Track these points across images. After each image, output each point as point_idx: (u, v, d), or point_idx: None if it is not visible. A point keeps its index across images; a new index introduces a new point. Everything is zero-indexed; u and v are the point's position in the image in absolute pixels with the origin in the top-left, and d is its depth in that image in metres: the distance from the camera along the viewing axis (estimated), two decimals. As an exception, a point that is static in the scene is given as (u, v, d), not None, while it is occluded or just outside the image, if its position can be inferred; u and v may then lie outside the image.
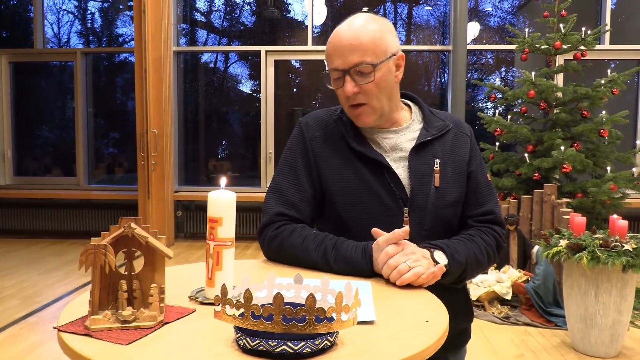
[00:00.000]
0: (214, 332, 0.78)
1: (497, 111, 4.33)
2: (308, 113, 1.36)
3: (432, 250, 1.12)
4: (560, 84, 4.95)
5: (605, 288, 2.50)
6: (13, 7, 6.41)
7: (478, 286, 3.28)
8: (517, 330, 2.97)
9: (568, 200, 3.46)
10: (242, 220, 5.63)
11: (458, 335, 1.33)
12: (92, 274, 0.81)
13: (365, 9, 6.01)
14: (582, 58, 3.94)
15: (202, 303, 0.92)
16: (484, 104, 6.15)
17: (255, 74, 6.10)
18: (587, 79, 4.12)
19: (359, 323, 0.80)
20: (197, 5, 6.18)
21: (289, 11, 6.12)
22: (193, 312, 0.88)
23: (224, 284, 0.72)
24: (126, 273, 0.86)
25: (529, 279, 3.23)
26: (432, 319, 0.86)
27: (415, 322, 0.85)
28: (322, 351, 0.71)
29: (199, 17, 6.25)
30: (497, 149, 4.16)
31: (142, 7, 4.75)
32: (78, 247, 5.15)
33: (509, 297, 3.21)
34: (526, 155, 3.89)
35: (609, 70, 3.92)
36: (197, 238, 5.70)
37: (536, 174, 3.73)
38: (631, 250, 2.43)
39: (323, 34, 5.84)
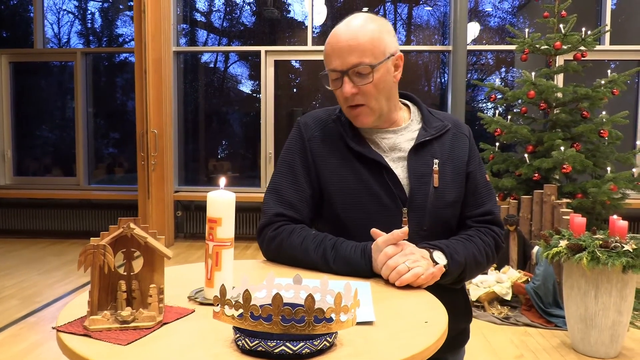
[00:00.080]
0: (213, 333, 0.78)
1: (497, 111, 4.33)
2: (306, 113, 1.36)
3: (431, 250, 1.11)
4: (560, 84, 4.95)
5: (605, 289, 2.50)
6: (13, 7, 6.41)
7: (478, 287, 3.27)
8: (517, 331, 2.97)
9: (568, 200, 3.46)
10: (242, 220, 5.63)
11: (457, 336, 1.33)
12: (91, 274, 0.81)
13: (365, 9, 6.01)
14: (582, 58, 3.94)
15: (202, 303, 0.92)
16: (484, 105, 6.15)
17: (255, 74, 6.10)
18: (587, 79, 4.12)
19: (358, 324, 0.79)
20: (197, 6, 6.18)
21: (289, 11, 6.12)
22: (192, 312, 0.87)
23: (222, 285, 0.72)
24: (125, 273, 0.86)
25: (529, 279, 3.23)
26: (432, 319, 0.86)
27: (414, 322, 0.85)
28: (321, 352, 0.71)
29: (199, 17, 6.25)
30: (497, 149, 4.16)
31: (142, 7, 4.75)
32: (78, 247, 5.14)
33: (508, 297, 3.21)
34: (526, 155, 3.89)
35: (609, 71, 3.93)
36: (197, 238, 5.69)
37: (536, 175, 3.73)
38: (631, 250, 2.43)
39: (323, 34, 5.83)
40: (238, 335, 0.72)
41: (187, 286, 0.99)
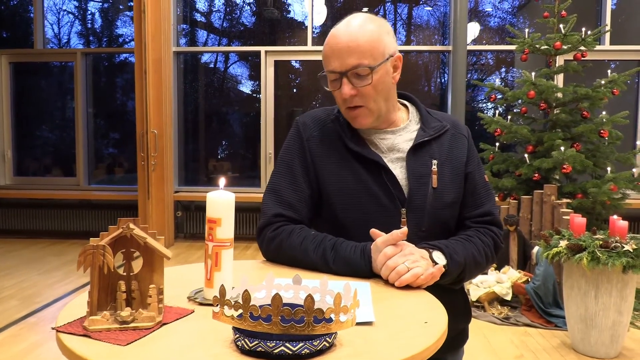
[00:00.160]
0: (213, 333, 0.78)
1: (497, 112, 4.33)
2: (305, 112, 1.36)
3: (430, 250, 1.11)
4: (560, 84, 4.95)
5: (605, 289, 2.50)
6: (13, 7, 6.41)
7: (478, 287, 3.27)
8: (517, 331, 2.97)
9: (568, 200, 3.46)
10: (242, 220, 5.63)
11: (456, 336, 1.32)
12: (91, 275, 0.81)
13: (365, 9, 6.01)
14: (582, 58, 3.94)
15: (201, 304, 0.92)
16: (484, 105, 6.15)
17: (255, 75, 6.10)
18: (587, 79, 4.12)
19: (358, 324, 0.79)
20: (197, 6, 6.18)
21: (289, 11, 6.12)
22: (192, 312, 0.87)
23: (222, 285, 0.72)
24: (125, 274, 0.86)
25: (529, 279, 3.23)
26: (431, 319, 0.86)
27: (414, 323, 0.85)
28: (321, 352, 0.71)
29: (199, 17, 6.25)
30: (497, 149, 4.16)
31: (142, 8, 4.75)
32: (78, 247, 5.14)
33: (508, 297, 3.21)
34: (526, 155, 3.89)
35: (609, 71, 3.92)
36: (197, 238, 5.69)
37: (536, 175, 3.73)
38: (631, 251, 2.43)
39: (323, 35, 5.83)
40: (237, 335, 0.72)
41: (186, 286, 0.99)
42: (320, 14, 5.84)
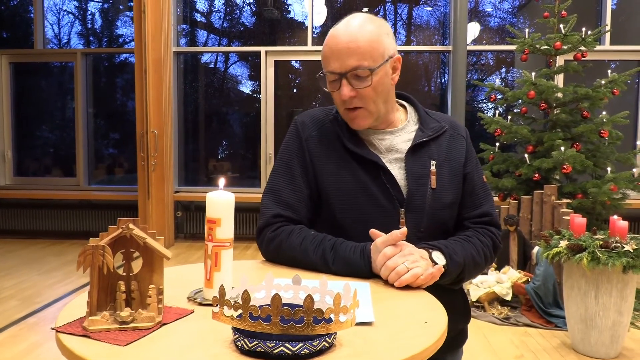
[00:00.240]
0: (212, 333, 0.78)
1: (497, 112, 4.33)
2: (303, 111, 1.35)
3: (430, 250, 1.11)
4: (561, 84, 4.95)
5: (605, 289, 2.50)
6: (13, 7, 6.41)
7: (478, 287, 3.27)
8: (517, 331, 2.97)
9: (568, 201, 3.46)
10: (242, 220, 5.63)
11: (456, 336, 1.32)
12: (90, 275, 0.81)
13: (365, 9, 6.01)
14: (583, 58, 3.94)
15: (201, 304, 0.92)
16: (484, 105, 6.15)
17: (255, 75, 6.10)
18: (587, 79, 4.12)
19: (358, 324, 0.79)
20: (197, 6, 6.18)
21: (289, 12, 6.12)
22: (191, 313, 0.87)
23: (221, 285, 0.72)
24: (124, 274, 0.86)
25: (529, 279, 3.23)
26: (431, 320, 0.86)
27: (414, 323, 0.85)
28: (320, 352, 0.71)
29: (199, 17, 6.25)
30: (497, 149, 4.16)
31: (142, 8, 4.75)
32: (78, 247, 5.14)
33: (509, 297, 3.21)
34: (526, 155, 3.89)
35: (609, 71, 3.92)
36: (197, 238, 5.69)
37: (536, 175, 3.73)
38: (631, 251, 2.43)
39: (323, 35, 5.83)
40: (237, 335, 0.72)
41: (186, 287, 0.99)
42: (320, 14, 5.84)
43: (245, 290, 0.70)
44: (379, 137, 1.27)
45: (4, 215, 5.83)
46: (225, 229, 0.92)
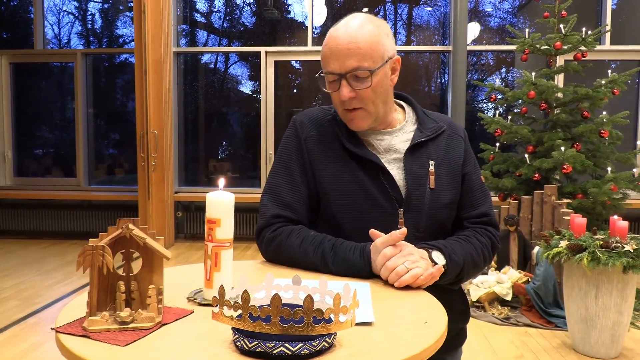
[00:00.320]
0: (212, 334, 0.78)
1: (497, 112, 4.33)
2: (302, 111, 1.35)
3: (430, 250, 1.11)
4: (561, 84, 4.95)
5: (605, 289, 2.50)
6: (13, 8, 6.41)
7: (478, 287, 3.27)
8: (517, 331, 2.96)
9: (568, 201, 3.46)
10: (243, 220, 5.63)
11: (455, 336, 1.33)
12: (90, 275, 0.81)
13: (365, 9, 6.01)
14: (583, 58, 3.93)
15: (201, 304, 0.91)
16: (484, 105, 6.14)
17: (255, 75, 6.10)
18: (587, 79, 4.12)
19: (357, 324, 0.79)
20: (197, 6, 6.18)
21: (289, 12, 6.12)
22: (191, 313, 0.87)
23: (221, 285, 0.72)
24: (124, 274, 0.86)
25: (529, 279, 3.23)
26: (431, 320, 0.86)
27: (413, 323, 0.85)
28: (320, 352, 0.71)
29: (199, 18, 6.25)
30: (497, 149, 4.16)
31: (142, 8, 4.75)
32: (78, 247, 5.14)
33: (509, 298, 3.21)
34: (526, 155, 3.89)
35: (609, 71, 3.92)
36: (197, 239, 5.69)
37: (536, 175, 3.73)
38: (632, 251, 2.43)
39: (323, 35, 5.80)
40: (237, 336, 0.72)
41: (186, 287, 0.99)
42: (320, 14, 5.84)
43: (245, 291, 0.70)
44: (377, 138, 1.27)
45: (4, 215, 5.83)
46: (225, 229, 0.92)
